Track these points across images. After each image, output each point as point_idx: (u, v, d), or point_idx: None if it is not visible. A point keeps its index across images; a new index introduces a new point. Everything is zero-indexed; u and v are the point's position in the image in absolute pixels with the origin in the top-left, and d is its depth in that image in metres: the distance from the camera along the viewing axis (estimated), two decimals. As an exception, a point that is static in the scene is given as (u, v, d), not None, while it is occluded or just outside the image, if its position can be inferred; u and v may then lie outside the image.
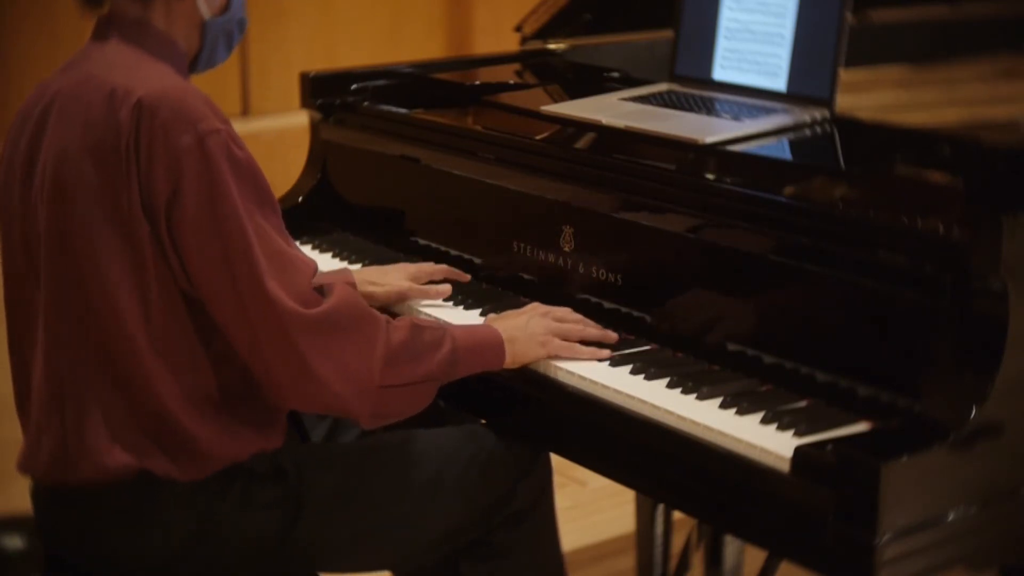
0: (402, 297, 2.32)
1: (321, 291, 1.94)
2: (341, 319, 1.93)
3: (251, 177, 1.92)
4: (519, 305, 2.24)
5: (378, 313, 1.98)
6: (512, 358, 2.08)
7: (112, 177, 1.89)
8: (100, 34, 2.02)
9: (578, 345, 2.10)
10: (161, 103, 1.88)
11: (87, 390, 1.95)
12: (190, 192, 1.87)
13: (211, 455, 1.96)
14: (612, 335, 2.13)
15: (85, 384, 1.95)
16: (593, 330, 2.13)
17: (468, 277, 2.37)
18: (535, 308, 2.16)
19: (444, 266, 2.38)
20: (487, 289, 2.40)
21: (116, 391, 1.94)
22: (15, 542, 2.34)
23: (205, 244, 1.88)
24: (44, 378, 1.98)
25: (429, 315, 2.28)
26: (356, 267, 2.55)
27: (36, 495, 2.06)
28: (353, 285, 2.22)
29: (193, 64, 2.07)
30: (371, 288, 2.31)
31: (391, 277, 2.33)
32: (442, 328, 2.04)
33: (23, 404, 2.06)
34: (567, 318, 2.14)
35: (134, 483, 1.95)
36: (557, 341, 2.09)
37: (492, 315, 2.22)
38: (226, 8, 2.06)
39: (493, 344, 2.07)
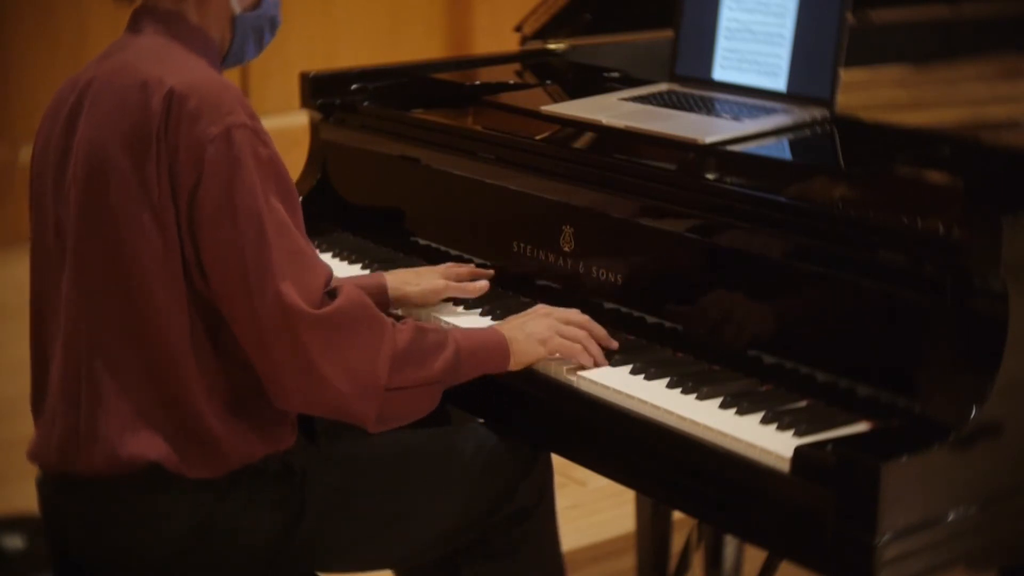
0: (437, 295, 2.30)
1: (330, 293, 1.94)
2: (348, 319, 1.92)
3: (275, 173, 1.92)
4: (519, 306, 2.24)
5: (384, 316, 1.98)
6: (514, 359, 2.08)
7: (143, 164, 1.89)
8: (134, 26, 2.03)
9: (578, 347, 2.09)
10: (192, 92, 1.89)
11: (107, 376, 1.94)
12: (211, 182, 1.87)
13: (226, 454, 1.96)
14: (613, 343, 2.11)
15: (105, 370, 1.94)
16: (596, 335, 2.11)
17: (492, 272, 2.36)
18: (537, 309, 2.15)
19: (471, 266, 2.36)
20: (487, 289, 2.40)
21: (143, 378, 1.93)
22: (16, 542, 2.34)
23: (222, 234, 1.88)
24: (61, 366, 1.98)
25: (435, 317, 2.29)
26: (356, 267, 2.55)
27: (42, 485, 2.06)
28: (384, 288, 2.27)
29: (223, 59, 2.08)
30: (407, 288, 2.30)
31: (425, 278, 2.32)
32: (445, 332, 2.03)
33: (39, 400, 2.05)
34: (571, 319, 2.13)
35: (142, 476, 1.94)
36: (558, 339, 2.09)
37: (496, 322, 2.20)
38: (257, 3, 2.07)
39: (496, 346, 2.07)
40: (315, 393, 1.92)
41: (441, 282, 2.30)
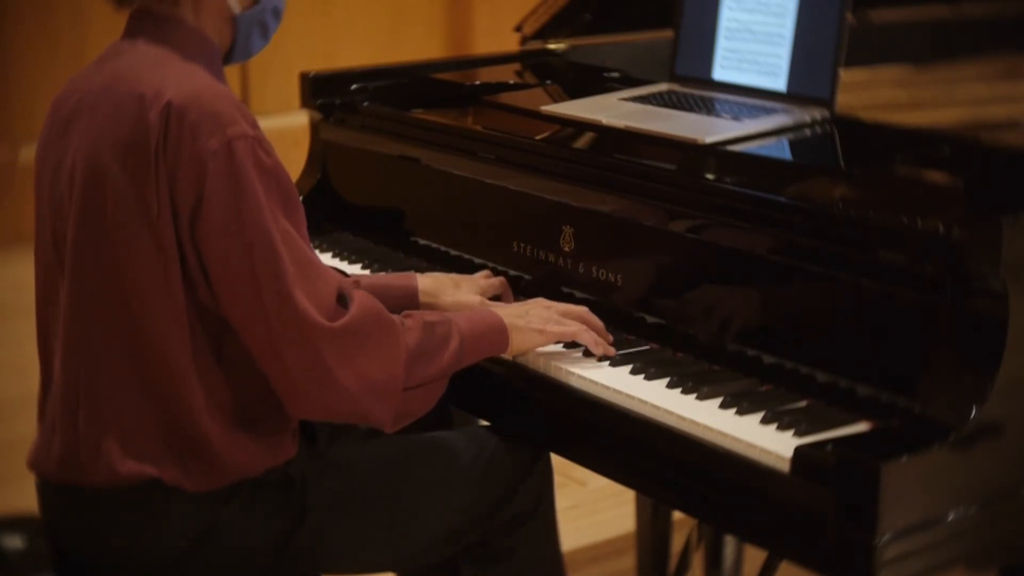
0: (469, 309, 2.23)
1: (342, 300, 1.93)
2: (363, 329, 1.91)
3: (278, 183, 1.89)
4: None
5: (394, 317, 1.97)
6: (512, 345, 2.08)
7: (141, 179, 1.87)
8: (131, 31, 2.00)
9: (575, 327, 2.09)
10: (190, 105, 1.86)
11: (106, 393, 1.93)
12: (215, 197, 1.85)
13: (226, 468, 1.95)
14: (611, 350, 2.11)
15: (104, 386, 1.93)
16: (593, 327, 2.12)
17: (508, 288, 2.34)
18: (539, 301, 2.16)
19: (502, 279, 2.33)
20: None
21: (142, 395, 1.92)
22: (16, 542, 2.34)
23: (230, 250, 1.86)
24: (61, 377, 1.97)
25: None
26: (356, 267, 2.55)
27: (42, 491, 2.05)
28: (414, 293, 2.25)
29: (228, 56, 2.05)
30: (442, 298, 2.26)
31: (463, 289, 2.28)
32: (448, 320, 2.03)
33: (42, 401, 2.05)
34: (571, 311, 2.13)
35: (142, 488, 1.94)
36: (556, 327, 2.09)
37: (494, 305, 2.21)
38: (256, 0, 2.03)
39: (497, 330, 2.07)
40: (333, 402, 1.91)
41: (476, 298, 2.27)
